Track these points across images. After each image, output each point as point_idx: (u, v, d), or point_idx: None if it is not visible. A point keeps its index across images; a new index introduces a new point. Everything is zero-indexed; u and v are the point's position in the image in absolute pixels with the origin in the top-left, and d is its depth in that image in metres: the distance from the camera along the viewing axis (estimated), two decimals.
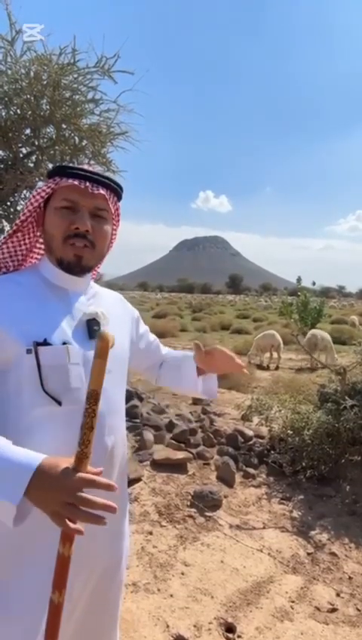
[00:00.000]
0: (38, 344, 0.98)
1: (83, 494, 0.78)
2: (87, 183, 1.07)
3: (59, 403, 0.99)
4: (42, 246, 1.20)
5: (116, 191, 1.15)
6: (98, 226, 1.10)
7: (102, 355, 0.83)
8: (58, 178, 1.08)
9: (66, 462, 0.82)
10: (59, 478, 0.79)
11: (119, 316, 1.27)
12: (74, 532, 0.78)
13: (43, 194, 1.09)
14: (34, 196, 1.10)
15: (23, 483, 0.79)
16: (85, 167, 1.11)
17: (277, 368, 10.90)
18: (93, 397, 0.81)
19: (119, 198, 1.18)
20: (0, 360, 1.01)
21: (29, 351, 0.98)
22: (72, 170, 1.08)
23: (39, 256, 1.23)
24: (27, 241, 1.17)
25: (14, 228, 1.14)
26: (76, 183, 1.06)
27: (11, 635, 0.97)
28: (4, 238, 1.16)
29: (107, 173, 1.15)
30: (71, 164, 1.09)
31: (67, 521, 0.77)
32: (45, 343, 1.00)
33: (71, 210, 1.07)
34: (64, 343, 1.02)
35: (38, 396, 0.99)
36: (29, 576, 0.99)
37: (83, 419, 0.81)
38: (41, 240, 1.20)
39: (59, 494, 0.78)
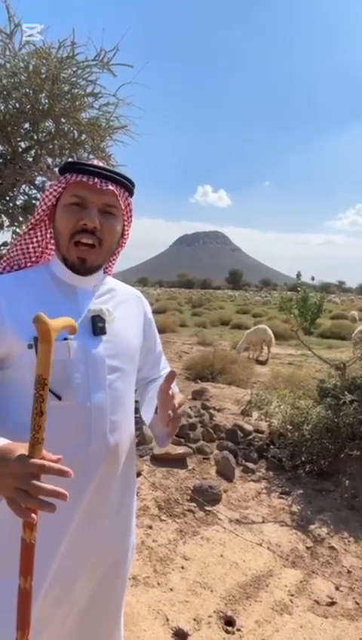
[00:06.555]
0: (37, 339, 0.99)
1: (33, 481, 0.77)
2: (96, 179, 1.06)
3: (59, 398, 0.99)
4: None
5: (127, 186, 1.13)
6: (107, 223, 1.08)
7: (44, 339, 0.80)
8: (68, 175, 1.07)
9: (24, 448, 0.82)
10: (11, 463, 0.80)
11: (130, 314, 1.25)
12: (26, 518, 0.77)
13: (55, 193, 1.09)
14: (47, 195, 1.10)
15: None
16: (95, 162, 1.09)
17: (266, 362, 10.99)
18: (40, 383, 0.80)
19: (130, 193, 1.16)
20: (4, 355, 1.03)
21: (29, 346, 0.99)
22: (80, 166, 1.06)
23: (53, 253, 1.23)
24: (39, 238, 1.18)
25: (29, 226, 1.15)
26: (85, 179, 1.05)
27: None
28: (19, 236, 1.17)
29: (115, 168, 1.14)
30: (81, 160, 1.08)
31: (22, 507, 0.77)
32: None
33: (79, 206, 1.06)
34: (65, 339, 1.01)
35: None
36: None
37: (32, 404, 0.80)
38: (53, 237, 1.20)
39: (11, 480, 0.78)
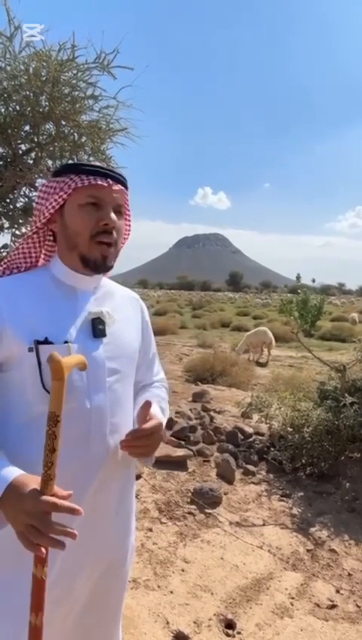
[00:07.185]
0: (38, 342, 0.99)
1: (44, 518, 0.80)
2: (109, 180, 1.08)
3: None
4: (52, 244, 1.20)
5: (126, 185, 1.16)
6: (119, 223, 1.11)
7: (56, 377, 0.81)
8: (74, 176, 1.07)
9: (36, 482, 0.84)
10: (24, 499, 0.82)
11: (129, 316, 1.25)
12: (35, 552, 0.80)
13: (64, 195, 1.07)
14: (56, 199, 1.08)
15: None
16: (97, 163, 1.11)
17: (266, 364, 11.04)
18: (53, 419, 0.81)
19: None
20: (4, 358, 1.03)
21: (30, 349, 0.99)
22: (92, 168, 1.08)
23: (51, 255, 1.22)
24: (41, 241, 1.18)
25: (34, 230, 1.14)
26: (99, 181, 1.07)
27: (2, 632, 0.99)
28: (22, 240, 1.17)
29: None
30: (87, 162, 1.10)
31: (32, 542, 0.80)
32: (46, 341, 1.00)
33: (95, 206, 1.08)
34: (65, 342, 1.02)
35: (38, 394, 1.00)
36: (26, 576, 1.00)
37: (45, 441, 0.81)
38: (50, 238, 1.19)
39: (23, 515, 0.81)
